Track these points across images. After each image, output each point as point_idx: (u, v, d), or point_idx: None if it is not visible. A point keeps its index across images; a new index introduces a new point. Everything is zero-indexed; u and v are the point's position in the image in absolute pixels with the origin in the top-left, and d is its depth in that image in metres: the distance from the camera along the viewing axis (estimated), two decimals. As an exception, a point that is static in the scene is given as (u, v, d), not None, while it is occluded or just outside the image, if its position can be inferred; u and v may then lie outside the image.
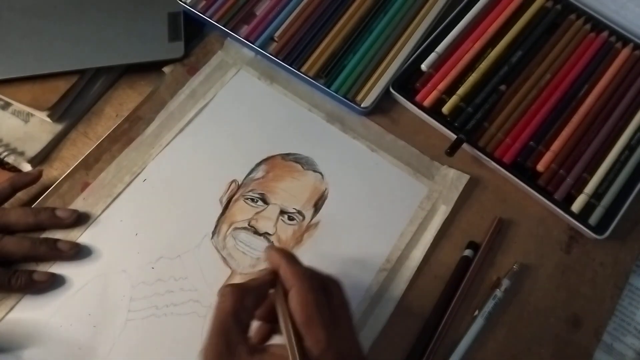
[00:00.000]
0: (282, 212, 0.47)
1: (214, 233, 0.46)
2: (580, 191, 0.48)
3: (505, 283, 0.45)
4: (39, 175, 0.46)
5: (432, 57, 0.53)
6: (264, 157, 0.49)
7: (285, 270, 0.34)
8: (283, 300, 0.33)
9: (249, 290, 0.33)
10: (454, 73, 0.52)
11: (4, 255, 0.42)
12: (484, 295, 0.45)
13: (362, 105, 0.51)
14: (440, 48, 0.53)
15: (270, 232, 0.46)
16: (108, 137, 0.49)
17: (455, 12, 0.55)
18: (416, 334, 0.44)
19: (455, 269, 0.46)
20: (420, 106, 0.51)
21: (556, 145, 0.50)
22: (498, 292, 0.45)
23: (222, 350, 0.30)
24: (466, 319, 0.45)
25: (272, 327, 0.35)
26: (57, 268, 0.44)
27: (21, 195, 0.46)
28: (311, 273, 0.34)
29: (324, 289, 0.34)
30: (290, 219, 0.47)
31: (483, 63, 0.53)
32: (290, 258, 0.35)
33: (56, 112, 0.49)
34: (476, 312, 0.44)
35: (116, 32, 0.52)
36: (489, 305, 0.44)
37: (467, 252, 0.46)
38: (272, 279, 0.34)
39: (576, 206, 0.48)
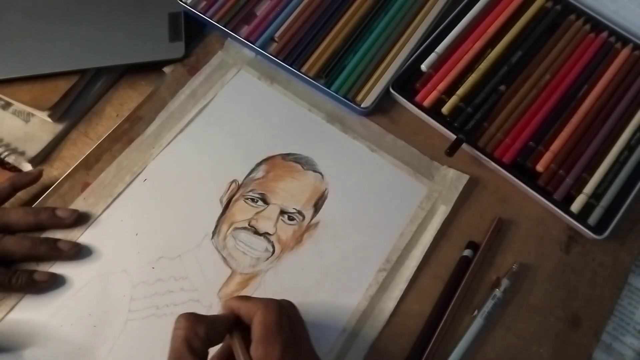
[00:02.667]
0: (282, 212, 0.47)
1: (214, 233, 0.46)
2: (579, 191, 0.48)
3: (505, 283, 0.45)
4: (39, 175, 0.47)
5: (432, 57, 0.53)
6: (264, 157, 0.49)
7: (246, 305, 0.35)
8: (240, 337, 0.34)
9: (201, 319, 0.34)
10: (453, 73, 0.52)
11: (5, 255, 0.42)
12: (483, 295, 0.45)
13: (362, 106, 0.51)
14: (440, 48, 0.53)
15: (270, 232, 0.46)
16: (108, 137, 0.49)
17: (455, 12, 0.55)
18: (416, 333, 0.44)
19: (455, 268, 0.46)
20: (420, 106, 0.51)
21: (556, 145, 0.50)
22: (497, 292, 0.45)
23: None
24: (466, 319, 0.45)
25: None
26: (58, 268, 0.44)
27: (21, 195, 0.47)
28: (269, 299, 0.36)
29: (283, 308, 0.35)
30: (290, 219, 0.47)
31: (483, 63, 0.53)
32: (246, 297, 0.37)
33: (57, 112, 0.49)
34: (475, 312, 0.44)
35: (117, 32, 0.52)
36: (488, 305, 0.44)
37: (467, 252, 0.46)
38: (230, 318, 0.35)
39: (575, 206, 0.48)
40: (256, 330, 0.33)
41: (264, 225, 0.46)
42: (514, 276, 0.46)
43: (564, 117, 0.51)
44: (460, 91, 0.51)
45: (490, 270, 0.47)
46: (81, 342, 0.41)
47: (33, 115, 0.50)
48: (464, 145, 0.49)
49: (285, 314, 0.35)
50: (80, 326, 0.42)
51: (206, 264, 0.45)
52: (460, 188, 0.49)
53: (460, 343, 0.43)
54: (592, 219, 0.47)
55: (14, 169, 0.48)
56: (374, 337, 0.43)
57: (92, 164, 0.48)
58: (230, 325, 0.35)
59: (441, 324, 0.43)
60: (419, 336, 0.43)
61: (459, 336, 0.44)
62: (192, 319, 0.34)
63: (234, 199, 0.48)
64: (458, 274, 0.45)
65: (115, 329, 0.42)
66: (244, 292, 0.44)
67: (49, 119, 0.49)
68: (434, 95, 0.51)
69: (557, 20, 0.56)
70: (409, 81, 0.53)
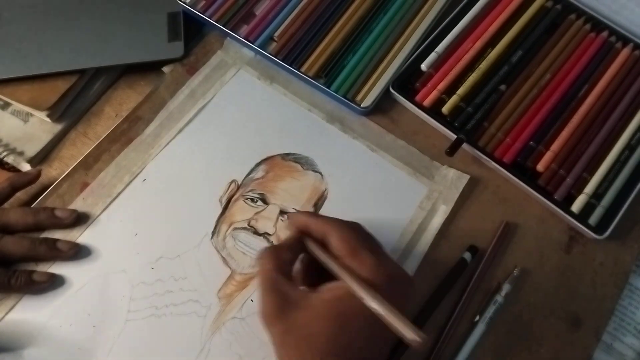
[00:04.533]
0: (282, 212, 0.47)
1: (213, 233, 0.46)
2: (580, 191, 0.48)
3: (506, 288, 0.45)
4: (38, 175, 0.46)
5: (432, 57, 0.53)
6: (264, 157, 0.49)
7: (316, 222, 0.37)
8: (320, 248, 0.36)
9: (281, 247, 0.37)
10: (453, 73, 0.52)
11: (4, 255, 0.42)
12: (483, 296, 0.45)
13: (362, 105, 0.51)
14: (440, 48, 0.53)
15: (270, 232, 0.46)
16: (107, 137, 0.49)
17: (455, 12, 0.55)
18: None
19: (451, 271, 0.45)
20: (420, 106, 0.51)
21: (556, 145, 0.50)
22: (499, 297, 0.44)
23: (278, 301, 0.33)
24: (466, 321, 0.44)
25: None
26: (57, 268, 0.44)
27: (20, 195, 0.46)
28: (336, 219, 0.37)
29: (354, 225, 0.37)
30: (290, 219, 0.47)
31: (483, 63, 0.53)
32: (315, 213, 0.39)
33: (55, 112, 0.49)
34: (477, 318, 0.44)
35: (116, 32, 0.52)
36: (490, 310, 0.44)
37: (466, 256, 0.46)
38: (301, 237, 0.37)
39: (576, 206, 0.48)
40: (340, 247, 0.35)
41: (264, 226, 0.46)
42: (515, 280, 0.45)
43: (564, 117, 0.51)
44: (461, 91, 0.51)
45: (491, 271, 0.46)
46: (80, 343, 0.41)
47: (32, 115, 0.50)
48: (464, 145, 0.49)
49: (359, 230, 0.36)
50: (79, 326, 0.42)
51: (206, 264, 0.45)
52: (461, 188, 0.49)
53: (462, 350, 0.43)
54: (593, 219, 0.47)
55: (13, 169, 0.48)
56: (374, 337, 0.43)
57: (91, 164, 0.48)
58: (302, 243, 0.37)
59: (445, 332, 0.43)
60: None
61: (459, 341, 0.43)
62: (276, 250, 0.36)
63: (233, 199, 0.47)
64: (454, 276, 0.45)
65: (114, 329, 0.42)
66: (243, 293, 0.44)
67: (47, 119, 0.49)
68: (434, 95, 0.51)
69: (557, 19, 0.56)
70: (408, 81, 0.53)
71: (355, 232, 0.36)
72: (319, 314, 0.33)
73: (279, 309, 0.33)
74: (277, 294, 0.34)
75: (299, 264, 0.38)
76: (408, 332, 0.31)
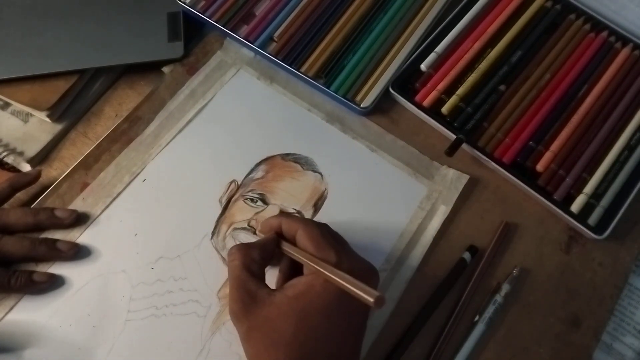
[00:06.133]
0: (282, 212, 0.47)
1: (213, 233, 0.46)
2: (579, 191, 0.48)
3: (505, 288, 0.45)
4: (38, 176, 0.46)
5: (431, 57, 0.53)
6: (264, 157, 0.49)
7: (287, 222, 0.38)
8: (292, 245, 0.38)
9: (252, 246, 0.37)
10: (453, 73, 0.52)
11: (4, 256, 0.42)
12: (483, 297, 0.45)
13: (361, 106, 0.51)
14: (439, 48, 0.53)
15: (269, 232, 0.46)
16: (107, 137, 0.49)
17: (454, 12, 0.55)
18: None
19: (451, 272, 0.45)
20: (419, 106, 0.51)
21: (556, 145, 0.50)
22: (498, 297, 0.45)
23: (245, 299, 0.35)
24: (465, 321, 0.44)
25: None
26: (57, 268, 0.44)
27: (20, 195, 0.46)
28: (305, 218, 0.41)
29: (320, 224, 0.39)
30: (290, 219, 0.47)
31: (482, 63, 0.53)
32: (287, 214, 0.41)
33: (55, 112, 0.49)
34: (476, 318, 0.44)
35: (116, 32, 0.52)
36: (489, 310, 0.44)
37: (466, 256, 0.46)
38: (274, 238, 0.39)
39: (575, 206, 0.48)
40: (306, 243, 0.36)
41: (264, 226, 0.46)
42: (514, 280, 0.45)
43: (564, 117, 0.51)
44: (460, 91, 0.51)
45: (491, 270, 0.46)
46: (80, 343, 0.41)
47: (32, 115, 0.50)
48: (464, 145, 0.49)
49: (324, 228, 0.38)
50: (79, 326, 0.42)
51: (205, 265, 0.45)
52: (460, 188, 0.49)
53: (461, 350, 0.43)
54: (592, 219, 0.47)
55: (13, 169, 0.48)
56: (375, 336, 0.43)
57: (91, 164, 0.48)
58: (276, 243, 0.39)
59: (444, 332, 0.43)
60: (402, 335, 0.43)
61: (459, 341, 0.44)
62: (245, 248, 0.37)
63: (233, 199, 0.47)
64: (453, 276, 0.45)
65: (114, 330, 0.42)
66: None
67: (47, 119, 0.49)
68: (433, 95, 0.51)
69: (557, 19, 0.56)
70: (408, 81, 0.53)
71: (321, 230, 0.37)
72: (282, 310, 0.34)
73: (245, 306, 0.35)
74: (244, 292, 0.35)
75: (279, 274, 0.41)
76: (364, 296, 0.32)
